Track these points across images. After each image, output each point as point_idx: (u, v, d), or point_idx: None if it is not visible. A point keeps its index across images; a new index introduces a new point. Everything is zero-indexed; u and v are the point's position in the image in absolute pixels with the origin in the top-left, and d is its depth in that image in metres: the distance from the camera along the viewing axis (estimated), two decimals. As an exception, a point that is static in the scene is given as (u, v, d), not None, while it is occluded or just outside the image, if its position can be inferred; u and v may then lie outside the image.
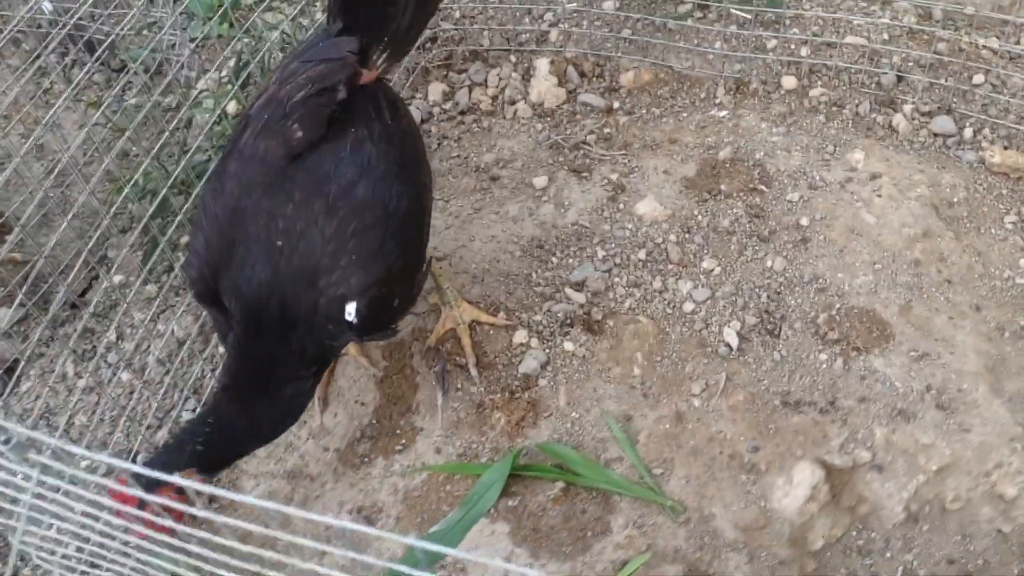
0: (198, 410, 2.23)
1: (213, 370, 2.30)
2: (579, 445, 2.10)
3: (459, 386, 2.23)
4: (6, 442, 1.06)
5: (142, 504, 1.45)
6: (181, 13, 2.74)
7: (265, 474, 2.16)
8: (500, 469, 2.04)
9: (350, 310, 1.67)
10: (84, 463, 2.05)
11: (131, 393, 2.26)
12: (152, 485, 1.34)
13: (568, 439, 2.12)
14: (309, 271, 1.67)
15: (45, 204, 2.71)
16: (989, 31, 2.84)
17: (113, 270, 2.31)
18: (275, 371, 1.68)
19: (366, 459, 2.15)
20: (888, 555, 2.04)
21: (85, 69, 2.19)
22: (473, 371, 2.22)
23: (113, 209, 2.16)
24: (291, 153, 1.72)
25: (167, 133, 2.24)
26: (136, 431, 2.19)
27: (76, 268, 2.50)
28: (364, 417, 2.20)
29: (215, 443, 1.66)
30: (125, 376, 2.28)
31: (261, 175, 1.71)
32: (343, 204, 1.69)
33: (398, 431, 2.18)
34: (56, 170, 2.64)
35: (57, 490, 1.13)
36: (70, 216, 2.00)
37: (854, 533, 2.06)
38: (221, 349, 2.36)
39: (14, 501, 1.24)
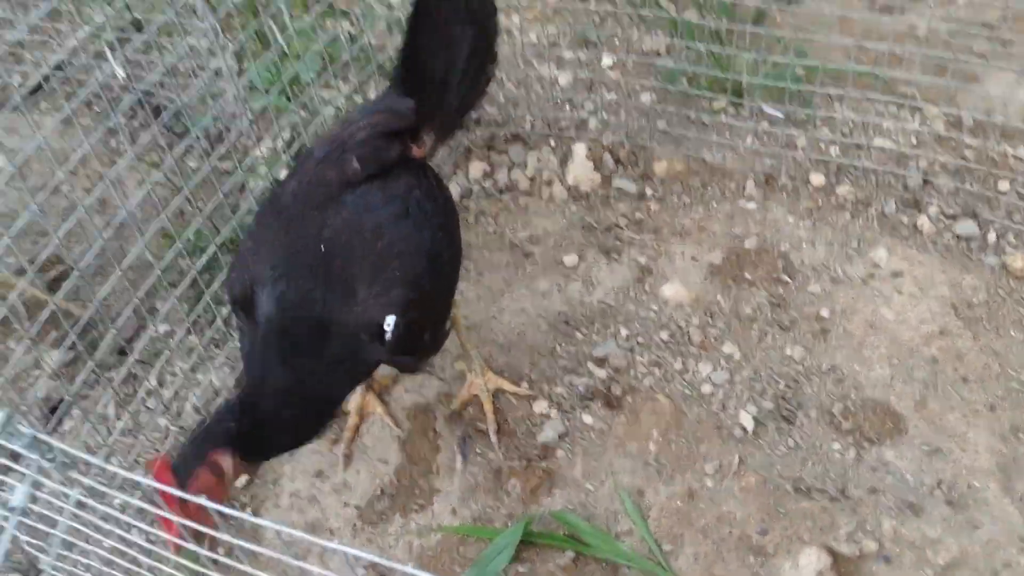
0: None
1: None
2: (591, 516, 2.15)
3: (479, 451, 2.30)
4: (52, 459, 1.15)
5: (183, 504, 1.51)
6: (244, 86, 2.93)
7: (288, 520, 2.23)
8: (512, 535, 2.10)
9: (389, 321, 1.75)
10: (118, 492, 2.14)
11: (166, 438, 2.35)
12: (192, 462, 1.43)
13: (581, 510, 2.17)
14: (350, 281, 1.76)
15: (102, 255, 2.86)
16: (1017, 140, 2.92)
17: (159, 319, 2.43)
18: (306, 373, 1.75)
19: (384, 516, 2.21)
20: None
21: (150, 131, 2.35)
22: (493, 437, 2.29)
23: (165, 263, 2.30)
24: (346, 182, 1.85)
25: (221, 195, 2.38)
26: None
27: (125, 316, 2.64)
28: (385, 476, 2.28)
29: (248, 423, 1.69)
30: (162, 421, 2.38)
31: (315, 196, 1.83)
32: (389, 230, 1.80)
33: (417, 491, 2.25)
34: (115, 223, 2.82)
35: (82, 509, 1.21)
36: (124, 266, 2.13)
37: (860, 624, 2.07)
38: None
39: (52, 524, 1.33)
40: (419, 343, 1.88)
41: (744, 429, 2.26)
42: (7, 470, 1.18)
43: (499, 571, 2.06)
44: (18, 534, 1.11)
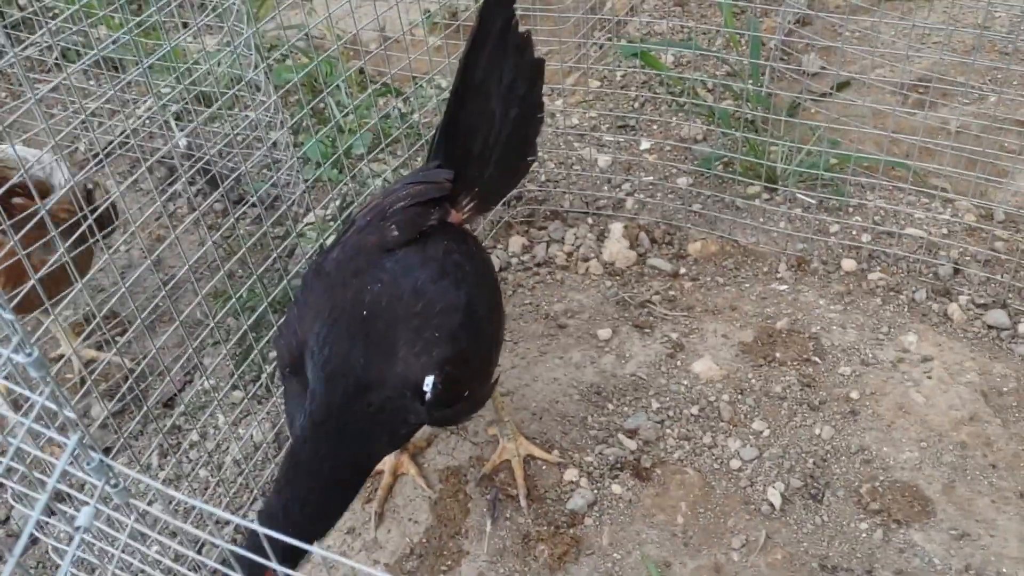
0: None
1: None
2: (617, 585, 2.17)
3: (508, 515, 2.33)
4: (115, 485, 1.23)
5: None
6: (298, 157, 3.08)
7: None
8: (539, 599, 2.12)
9: (428, 382, 1.82)
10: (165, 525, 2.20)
11: (206, 489, 2.42)
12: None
13: (608, 578, 2.19)
14: (391, 343, 1.83)
15: (156, 312, 2.99)
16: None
17: (207, 375, 2.52)
18: (348, 432, 1.81)
19: (416, 574, 2.25)
20: None
21: (210, 198, 2.49)
22: (523, 502, 2.33)
23: (215, 320, 2.40)
24: (386, 248, 1.94)
25: (272, 258, 2.49)
26: (205, 524, 2.34)
27: (174, 371, 2.75)
28: (415, 535, 2.32)
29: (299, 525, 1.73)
30: (203, 472, 2.45)
31: (356, 262, 1.93)
32: (429, 290, 1.88)
33: (445, 552, 2.28)
34: (171, 283, 2.95)
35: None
36: (176, 325, 2.24)
37: None
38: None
39: (101, 555, 1.40)
40: (459, 400, 1.93)
41: (772, 505, 2.28)
42: (66, 496, 1.25)
43: (524, 635, 2.07)
44: (81, 554, 1.17)
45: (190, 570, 2.11)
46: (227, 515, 0.99)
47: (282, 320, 2.05)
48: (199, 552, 2.28)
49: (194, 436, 2.52)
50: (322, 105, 3.39)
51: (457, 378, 1.88)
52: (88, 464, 1.21)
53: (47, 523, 1.44)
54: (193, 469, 2.44)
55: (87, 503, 1.23)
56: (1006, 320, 2.72)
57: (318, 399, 1.83)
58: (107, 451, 2.44)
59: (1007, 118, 3.27)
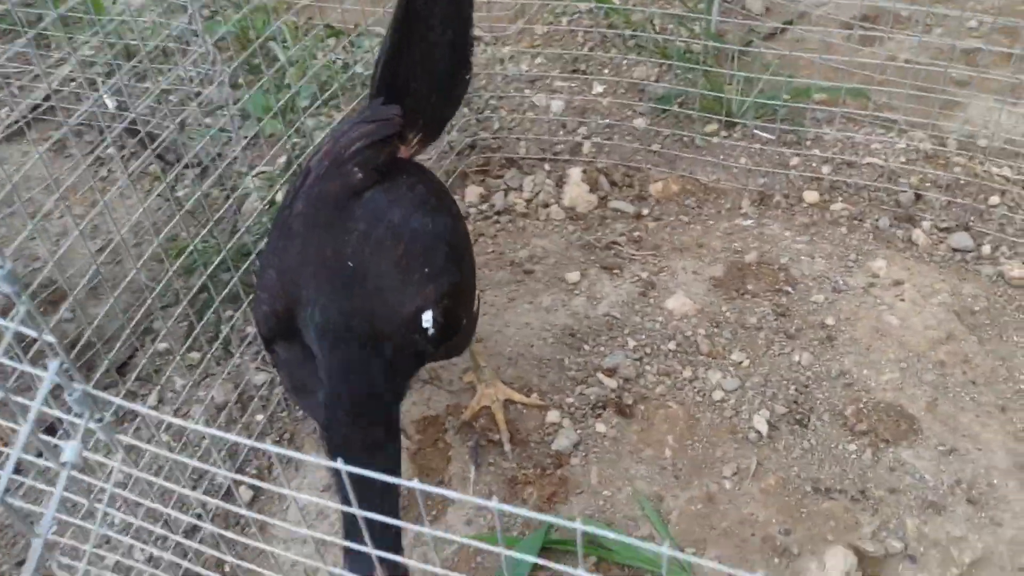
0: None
1: (249, 435, 2.33)
2: (610, 523, 2.11)
3: (492, 461, 2.25)
4: (100, 420, 1.10)
5: None
6: (237, 112, 2.93)
7: (294, 540, 2.16)
8: (533, 541, 2.05)
9: (427, 318, 1.74)
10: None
11: (170, 451, 2.28)
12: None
13: (599, 516, 2.12)
14: (384, 288, 1.74)
15: (95, 279, 2.81)
16: (1002, 160, 2.99)
17: (158, 340, 2.37)
18: (376, 389, 1.71)
19: (396, 529, 2.15)
20: (923, 651, 2.01)
21: (141, 159, 2.33)
22: (507, 446, 2.25)
23: (164, 281, 2.25)
24: (352, 192, 1.84)
25: (214, 220, 2.34)
26: (170, 493, 2.20)
27: (122, 340, 2.58)
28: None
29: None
30: (165, 437, 2.31)
31: (326, 212, 1.82)
32: (406, 231, 1.80)
33: (429, 502, 2.19)
34: (107, 248, 2.77)
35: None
36: (118, 292, 2.08)
37: (887, 627, 2.03)
38: (259, 416, 2.40)
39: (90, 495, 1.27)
40: (457, 330, 1.88)
41: (759, 433, 2.25)
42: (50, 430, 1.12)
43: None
44: (69, 494, 1.05)
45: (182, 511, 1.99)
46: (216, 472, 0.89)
47: (257, 287, 1.93)
48: (194, 488, 2.15)
49: (152, 400, 2.37)
50: (257, 60, 3.23)
51: (452, 308, 1.82)
52: (70, 395, 1.09)
53: (32, 463, 1.30)
54: (153, 435, 2.29)
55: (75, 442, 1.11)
56: (970, 242, 2.73)
57: (334, 371, 1.72)
58: (55, 425, 2.27)
59: (952, 49, 3.28)
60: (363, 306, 1.72)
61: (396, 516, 1.69)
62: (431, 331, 1.76)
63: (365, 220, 1.81)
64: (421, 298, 1.76)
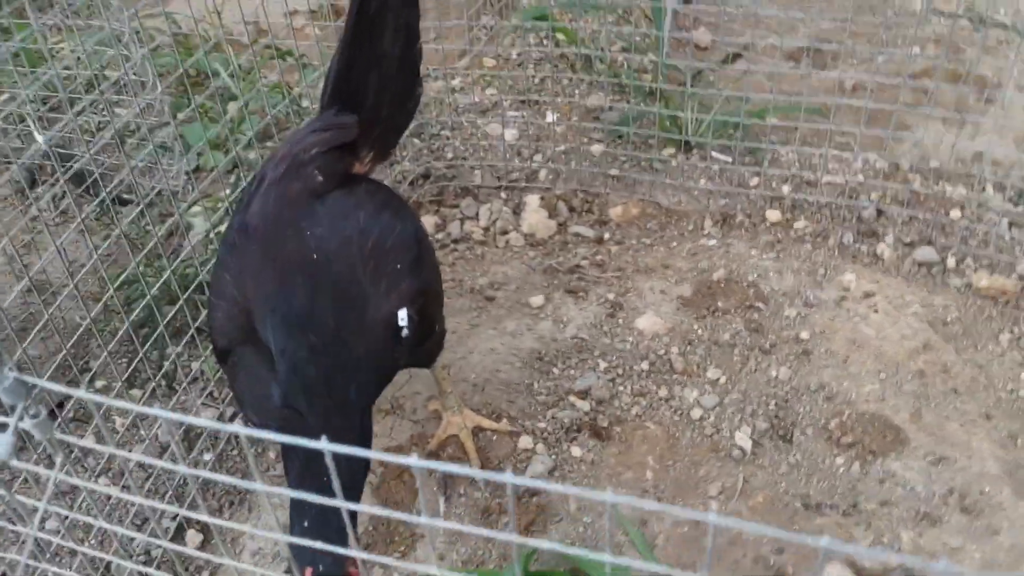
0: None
1: (196, 480, 2.15)
2: (593, 550, 1.97)
3: (462, 492, 2.10)
4: (35, 416, 0.95)
5: None
6: (181, 149, 2.80)
7: (250, 584, 1.97)
8: (512, 574, 1.90)
9: (402, 317, 1.62)
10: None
11: (108, 498, 2.08)
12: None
13: (581, 544, 1.98)
14: (352, 285, 1.62)
15: (20, 318, 2.63)
16: (956, 181, 2.99)
17: (94, 376, 2.19)
18: (346, 396, 1.56)
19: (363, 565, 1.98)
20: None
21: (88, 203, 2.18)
22: (476, 465, 2.11)
23: (94, 314, 2.08)
24: (313, 194, 1.74)
25: (154, 253, 2.19)
26: (110, 539, 2.01)
27: (56, 379, 2.38)
28: (359, 525, 2.05)
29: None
30: (103, 481, 2.12)
31: (286, 212, 1.70)
32: (375, 226, 1.69)
33: (396, 538, 2.03)
34: (45, 288, 2.59)
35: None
36: (39, 327, 1.90)
37: (889, 645, 1.92)
38: (208, 456, 2.22)
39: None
40: (430, 334, 1.75)
41: (742, 450, 2.14)
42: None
43: (500, 614, 1.85)
44: (3, 491, 0.90)
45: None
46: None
47: (211, 294, 1.79)
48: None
49: (89, 441, 2.18)
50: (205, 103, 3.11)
51: (426, 308, 1.71)
52: (1, 384, 0.94)
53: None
54: (91, 477, 2.09)
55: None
56: (935, 255, 2.70)
57: (297, 367, 1.57)
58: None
59: (898, 74, 3.30)
60: (331, 306, 1.59)
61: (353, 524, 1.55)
62: (406, 331, 1.63)
63: (328, 220, 1.70)
64: (395, 296, 1.64)
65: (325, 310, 1.59)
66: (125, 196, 3.08)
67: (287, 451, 1.56)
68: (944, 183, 2.97)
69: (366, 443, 1.60)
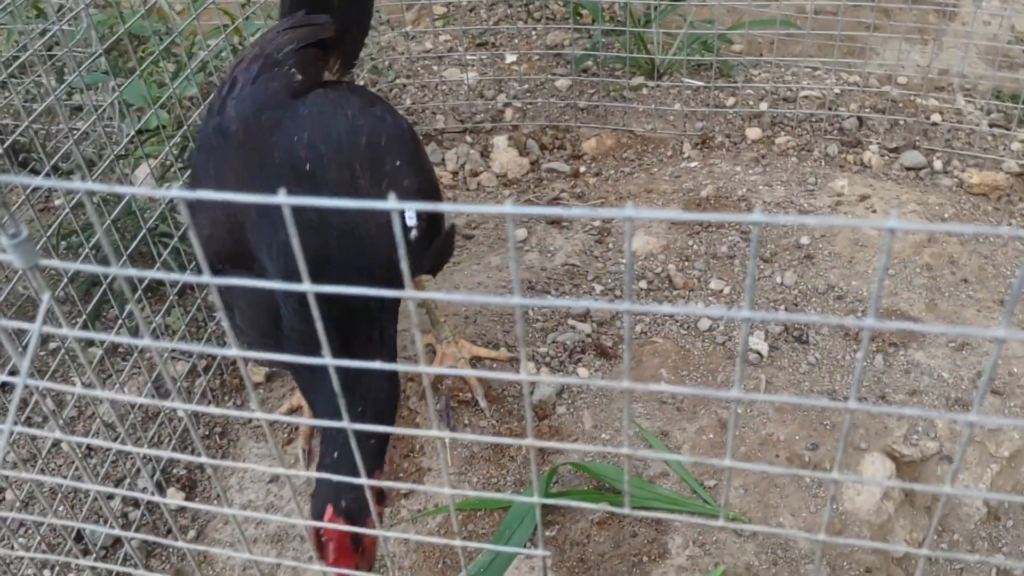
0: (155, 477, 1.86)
1: (174, 432, 1.95)
2: (615, 468, 1.83)
3: (467, 422, 1.95)
4: (14, 235, 0.78)
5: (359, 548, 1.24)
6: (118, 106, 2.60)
7: (243, 541, 1.78)
8: (530, 494, 1.74)
9: (410, 215, 1.45)
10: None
11: (72, 463, 1.88)
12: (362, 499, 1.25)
13: (604, 460, 1.84)
14: (351, 185, 1.45)
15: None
16: (927, 92, 2.93)
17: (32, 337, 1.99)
18: (362, 303, 1.39)
19: (367, 509, 1.81)
20: (976, 555, 1.79)
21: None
22: (483, 403, 1.95)
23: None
24: (293, 93, 1.58)
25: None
26: (82, 502, 1.80)
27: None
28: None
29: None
30: (66, 446, 1.91)
31: (267, 112, 1.54)
32: (366, 122, 1.53)
33: (401, 475, 1.86)
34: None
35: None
36: None
37: (935, 536, 1.81)
38: (180, 412, 2.03)
39: None
40: (438, 234, 1.60)
41: (759, 354, 2.02)
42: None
43: (525, 541, 1.69)
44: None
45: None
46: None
47: (190, 209, 1.61)
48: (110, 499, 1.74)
49: (48, 405, 1.97)
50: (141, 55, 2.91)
51: (429, 200, 1.54)
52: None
53: None
54: (54, 445, 1.89)
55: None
56: (921, 159, 2.63)
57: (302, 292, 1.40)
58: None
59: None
60: (330, 210, 1.42)
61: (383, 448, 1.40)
62: (414, 231, 1.47)
63: (314, 120, 1.54)
64: (398, 193, 1.48)
65: (329, 220, 1.43)
66: (61, 164, 2.86)
67: (306, 379, 1.41)
68: (916, 97, 2.90)
69: (392, 355, 1.44)
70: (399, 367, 0.69)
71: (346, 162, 1.50)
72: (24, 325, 0.85)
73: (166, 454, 0.81)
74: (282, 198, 0.66)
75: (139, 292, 1.96)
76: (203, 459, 0.88)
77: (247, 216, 1.45)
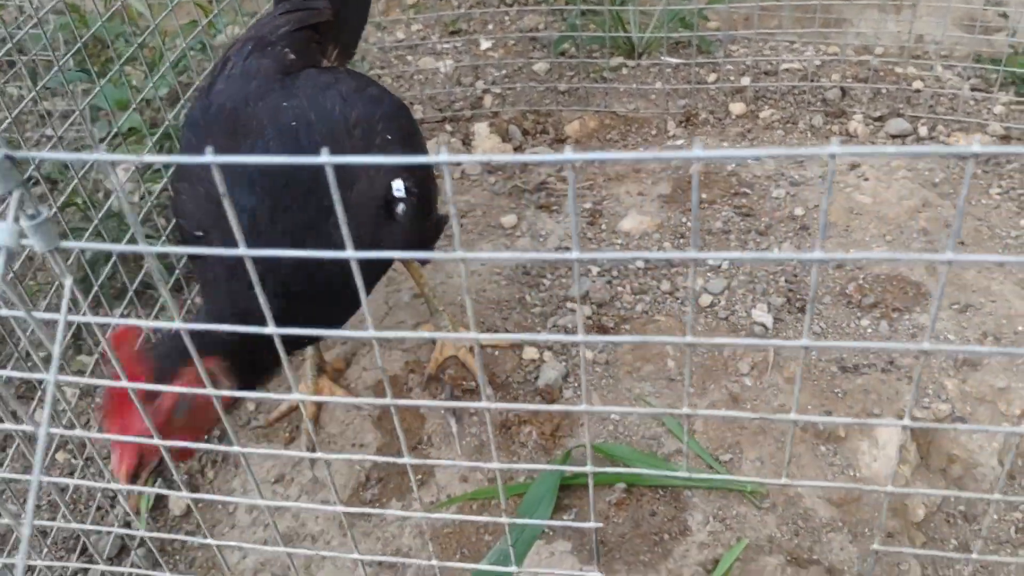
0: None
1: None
2: (629, 446, 1.79)
3: (473, 411, 1.90)
4: (33, 216, 0.72)
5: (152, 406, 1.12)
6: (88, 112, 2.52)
7: (253, 542, 1.73)
8: (549, 481, 1.70)
9: (398, 186, 1.40)
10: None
11: (71, 474, 1.81)
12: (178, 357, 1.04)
13: (615, 441, 1.81)
14: (338, 152, 1.40)
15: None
16: (905, 60, 2.92)
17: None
18: (318, 264, 1.32)
19: (378, 504, 1.76)
20: (995, 517, 1.78)
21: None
22: (487, 390, 1.91)
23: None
24: (285, 71, 1.54)
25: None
26: (80, 514, 1.74)
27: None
28: (366, 460, 1.83)
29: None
30: (61, 457, 1.84)
31: (256, 86, 1.50)
32: (359, 98, 1.49)
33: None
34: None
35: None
36: None
37: (952, 499, 1.79)
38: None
39: None
40: (428, 215, 1.54)
41: (764, 326, 2.00)
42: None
43: (547, 520, 1.65)
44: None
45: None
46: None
47: (175, 178, 1.56)
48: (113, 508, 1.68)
49: (40, 415, 1.90)
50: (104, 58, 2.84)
51: (422, 184, 1.49)
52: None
53: None
54: (49, 455, 1.82)
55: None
56: (906, 126, 2.62)
57: (267, 227, 1.36)
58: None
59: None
60: (316, 175, 1.37)
61: None
62: (402, 206, 1.42)
63: (306, 89, 1.49)
64: (388, 166, 1.43)
65: (305, 185, 1.37)
66: (34, 174, 2.77)
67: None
68: (894, 65, 2.90)
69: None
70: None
71: (333, 132, 1.45)
72: (49, 316, 0.80)
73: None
74: (210, 157, 0.62)
75: (167, 277, 1.90)
76: (197, 496, 0.84)
77: (242, 204, 1.40)
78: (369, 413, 1.91)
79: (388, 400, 0.78)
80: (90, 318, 0.79)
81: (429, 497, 1.76)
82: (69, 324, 0.80)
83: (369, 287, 1.48)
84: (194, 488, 1.85)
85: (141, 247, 0.74)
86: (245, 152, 1.40)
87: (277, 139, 1.41)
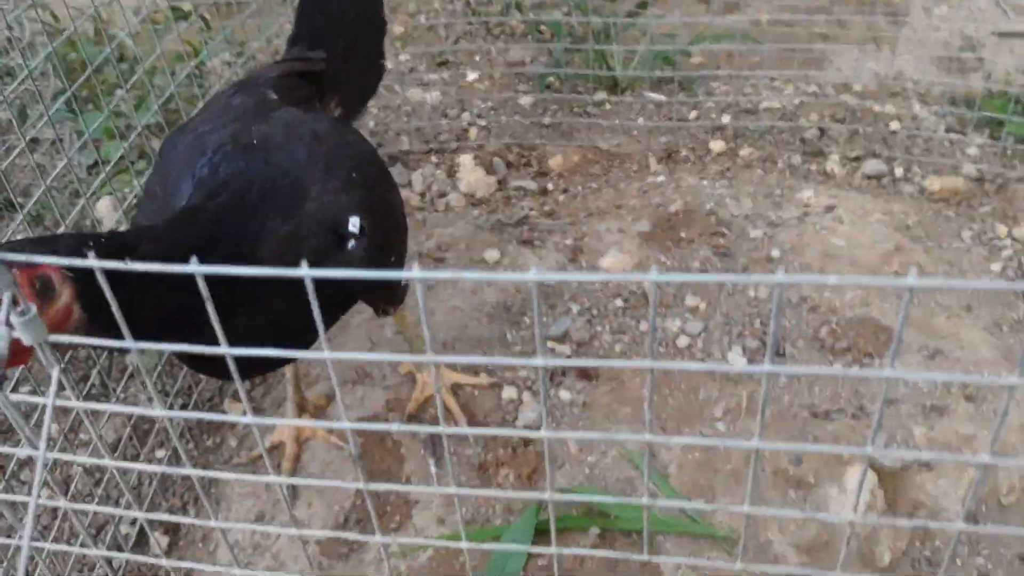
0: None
1: (153, 476, 1.92)
2: (603, 489, 1.83)
3: (452, 451, 1.94)
4: (23, 313, 0.76)
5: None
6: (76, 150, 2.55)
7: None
8: (523, 525, 1.74)
9: (354, 222, 1.42)
10: None
11: (55, 510, 1.84)
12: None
13: (590, 485, 1.85)
14: (297, 176, 1.42)
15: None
16: (883, 99, 2.99)
17: (11, 387, 1.94)
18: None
19: (356, 545, 1.79)
20: (958, 561, 1.83)
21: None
22: (466, 430, 1.94)
23: None
24: (266, 108, 1.58)
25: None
26: (64, 557, 1.76)
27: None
28: (346, 500, 1.86)
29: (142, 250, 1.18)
30: (45, 493, 1.86)
31: (232, 116, 1.53)
32: (331, 136, 1.53)
33: (389, 508, 1.85)
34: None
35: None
36: None
37: (918, 543, 1.84)
38: (160, 453, 1.99)
39: None
40: (385, 261, 1.55)
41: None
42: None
43: (519, 570, 1.69)
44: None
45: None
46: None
47: (141, 197, 1.60)
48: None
49: (21, 455, 1.93)
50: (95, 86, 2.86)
51: (381, 228, 1.51)
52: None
53: None
54: (32, 493, 1.84)
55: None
56: (882, 167, 2.68)
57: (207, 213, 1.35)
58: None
59: (810, 8, 3.30)
60: (268, 178, 1.39)
61: None
62: (354, 241, 1.43)
63: (281, 121, 1.54)
64: (345, 197, 1.44)
65: (258, 182, 1.39)
66: (19, 200, 2.79)
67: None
68: (872, 103, 2.96)
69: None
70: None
71: (299, 157, 1.45)
72: (35, 400, 0.83)
73: (131, 513, 0.80)
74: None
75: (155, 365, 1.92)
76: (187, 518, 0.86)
77: (183, 195, 1.41)
78: (350, 452, 1.94)
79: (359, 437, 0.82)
80: (76, 403, 0.83)
81: (407, 539, 1.79)
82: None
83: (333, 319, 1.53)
84: (175, 526, 1.87)
85: (128, 343, 0.77)
86: (207, 161, 1.42)
87: (235, 146, 1.43)
